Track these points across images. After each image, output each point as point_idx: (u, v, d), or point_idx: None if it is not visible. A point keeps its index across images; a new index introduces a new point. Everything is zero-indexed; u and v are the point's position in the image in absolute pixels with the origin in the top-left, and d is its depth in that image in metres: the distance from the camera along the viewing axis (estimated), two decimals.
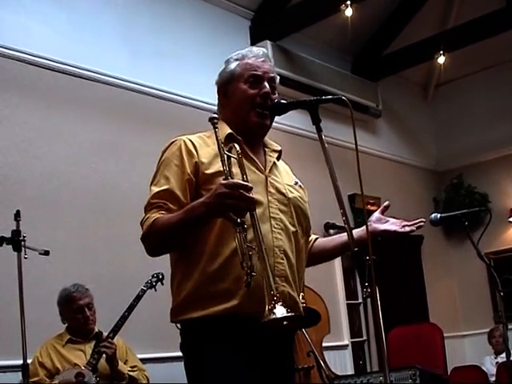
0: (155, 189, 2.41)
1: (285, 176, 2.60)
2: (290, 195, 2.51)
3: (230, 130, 2.49)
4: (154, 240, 2.35)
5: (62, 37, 5.64)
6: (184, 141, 2.47)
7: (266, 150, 2.60)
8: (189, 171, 2.39)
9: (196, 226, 2.31)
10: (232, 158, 2.30)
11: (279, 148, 2.65)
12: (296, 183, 2.63)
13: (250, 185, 2.19)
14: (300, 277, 2.48)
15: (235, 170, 2.30)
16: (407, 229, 2.64)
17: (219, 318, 2.28)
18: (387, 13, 8.67)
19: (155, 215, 2.34)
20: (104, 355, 4.43)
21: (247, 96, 2.50)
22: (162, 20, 6.49)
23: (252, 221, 2.21)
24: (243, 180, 2.25)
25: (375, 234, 2.62)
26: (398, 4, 8.62)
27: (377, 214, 2.66)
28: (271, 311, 2.07)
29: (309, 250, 2.67)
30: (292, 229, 2.46)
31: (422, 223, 2.66)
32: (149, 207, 2.40)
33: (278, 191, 2.47)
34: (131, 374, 4.61)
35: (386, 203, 2.69)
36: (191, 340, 2.38)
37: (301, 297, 2.51)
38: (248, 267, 2.17)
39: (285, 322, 2.11)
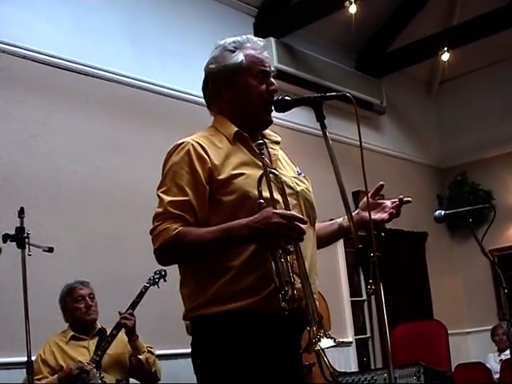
0: (168, 198, 2.32)
1: (288, 168, 2.57)
2: (298, 188, 2.48)
3: (235, 128, 2.45)
4: (178, 253, 2.31)
5: (66, 34, 5.64)
6: (192, 144, 2.37)
7: (266, 141, 2.52)
8: (203, 179, 2.32)
9: (233, 246, 2.27)
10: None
11: (279, 139, 2.61)
12: (299, 174, 2.58)
13: (305, 218, 2.26)
14: (315, 271, 2.49)
15: (253, 171, 2.35)
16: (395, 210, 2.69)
17: (239, 314, 2.25)
18: (391, 10, 8.65)
19: (175, 227, 2.26)
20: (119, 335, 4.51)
21: (258, 93, 2.46)
22: (166, 17, 6.49)
23: (296, 248, 2.23)
24: (285, 205, 2.31)
25: (363, 225, 2.60)
26: (402, 1, 8.60)
27: (366, 200, 2.59)
28: (317, 342, 2.12)
29: None
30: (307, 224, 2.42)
31: (408, 199, 2.72)
32: (162, 216, 2.30)
33: (287, 185, 2.41)
34: (150, 350, 4.66)
35: (380, 183, 2.66)
36: (202, 338, 2.35)
37: None
38: (287, 294, 2.20)
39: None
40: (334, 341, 2.13)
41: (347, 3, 7.16)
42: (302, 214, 2.39)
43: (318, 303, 2.36)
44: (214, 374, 2.30)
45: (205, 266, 2.32)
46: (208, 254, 2.30)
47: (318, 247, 2.58)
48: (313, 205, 2.55)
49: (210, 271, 2.30)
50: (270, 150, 2.54)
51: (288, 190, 2.40)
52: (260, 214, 2.21)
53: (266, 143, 2.48)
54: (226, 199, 2.31)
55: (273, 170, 2.36)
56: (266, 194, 2.29)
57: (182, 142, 2.41)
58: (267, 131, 2.60)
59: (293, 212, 2.26)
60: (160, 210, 2.32)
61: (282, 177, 2.41)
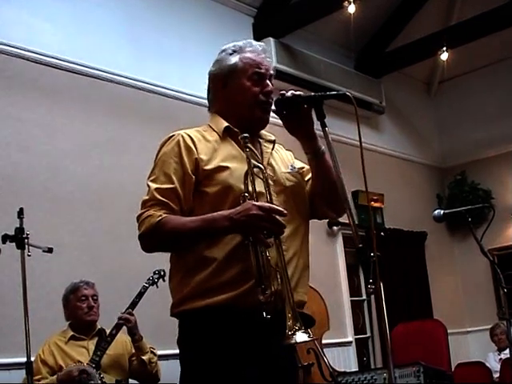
0: (155, 185, 2.39)
1: (281, 164, 2.58)
2: (288, 184, 2.51)
3: (226, 123, 2.50)
4: (160, 240, 2.36)
5: (66, 34, 5.64)
6: (182, 136, 2.45)
7: (261, 140, 2.59)
8: (189, 169, 2.38)
9: (213, 236, 2.31)
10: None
11: (273, 138, 2.63)
12: (293, 168, 2.59)
13: (284, 211, 2.25)
14: (304, 266, 2.48)
15: (238, 165, 2.36)
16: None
17: (220, 308, 2.27)
18: (390, 9, 8.66)
19: (160, 214, 2.32)
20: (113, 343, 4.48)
21: (251, 94, 2.50)
22: (165, 18, 6.49)
23: (276, 242, 2.25)
24: (269, 198, 2.31)
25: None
26: (401, 1, 8.61)
27: None
28: (292, 336, 2.14)
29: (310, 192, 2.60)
30: (294, 218, 2.44)
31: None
32: (148, 203, 2.37)
33: (277, 182, 2.47)
34: (153, 351, 4.67)
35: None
36: (187, 333, 2.37)
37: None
38: (267, 288, 2.22)
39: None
40: (309, 336, 2.16)
41: (346, 3, 7.17)
42: (293, 210, 2.43)
43: (303, 297, 2.43)
44: (197, 369, 2.33)
45: (188, 259, 2.36)
46: (189, 243, 2.35)
47: (325, 181, 2.51)
48: (304, 200, 2.56)
49: (193, 265, 2.34)
50: (263, 147, 2.57)
51: (278, 187, 2.45)
52: (241, 206, 2.26)
53: (260, 142, 2.56)
54: (210, 191, 2.36)
55: (258, 164, 2.38)
56: (251, 188, 2.32)
57: (174, 134, 2.49)
58: (263, 131, 2.62)
59: (272, 205, 2.27)
60: (147, 197, 2.40)
61: (270, 172, 2.45)
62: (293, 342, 2.14)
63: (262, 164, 2.43)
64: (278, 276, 2.25)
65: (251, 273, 2.25)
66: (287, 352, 2.45)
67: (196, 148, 2.41)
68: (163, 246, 2.43)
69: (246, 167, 2.34)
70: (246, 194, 2.31)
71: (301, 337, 2.14)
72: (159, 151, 2.48)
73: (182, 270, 2.40)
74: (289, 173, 2.56)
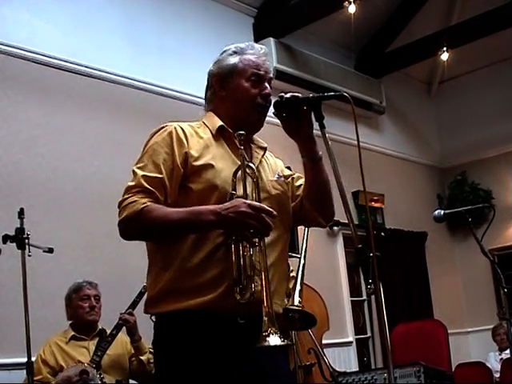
0: (142, 172, 2.35)
1: (269, 172, 2.56)
2: (273, 192, 2.49)
3: (220, 123, 2.49)
4: (142, 227, 2.30)
5: (66, 34, 5.65)
6: (175, 127, 2.44)
7: (252, 146, 2.58)
8: (178, 162, 2.36)
9: (197, 230, 2.29)
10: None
11: (265, 145, 2.62)
12: (279, 177, 2.57)
13: (274, 212, 2.24)
14: (281, 277, 2.46)
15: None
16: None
17: (194, 313, 2.25)
18: (390, 9, 8.66)
19: (145, 201, 2.27)
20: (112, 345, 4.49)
21: (249, 95, 2.49)
22: (165, 17, 6.49)
23: (260, 243, 2.23)
24: (257, 199, 2.30)
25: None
26: (401, 1, 8.61)
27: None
28: (266, 338, 2.12)
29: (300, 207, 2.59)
30: (276, 227, 2.37)
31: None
32: (134, 189, 2.32)
33: (263, 189, 2.43)
34: (152, 351, 4.64)
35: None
36: (163, 335, 2.34)
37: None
38: (245, 288, 2.20)
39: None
40: (282, 340, 2.14)
41: (346, 3, 7.17)
42: (276, 219, 2.35)
43: (279, 309, 2.39)
44: (173, 372, 2.30)
45: (165, 254, 2.33)
46: (171, 234, 2.31)
47: (317, 197, 2.53)
48: (287, 210, 2.54)
49: (170, 261, 2.31)
50: (253, 152, 2.56)
51: (263, 194, 2.40)
52: (230, 203, 2.23)
53: (251, 147, 2.56)
54: (195, 187, 2.34)
55: (250, 164, 2.38)
56: (239, 187, 2.31)
57: (166, 125, 2.49)
58: (255, 137, 2.62)
59: (262, 205, 2.25)
60: (132, 183, 2.34)
61: (260, 181, 2.41)
62: (266, 344, 2.11)
63: (253, 163, 2.42)
64: (258, 278, 2.23)
65: (230, 274, 2.23)
66: (270, 355, 2.38)
67: (188, 142, 2.40)
68: (144, 235, 2.37)
69: (233, 169, 2.34)
70: (234, 192, 2.29)
71: (274, 340, 2.12)
72: (149, 140, 2.47)
73: (157, 265, 2.36)
74: (275, 181, 2.54)
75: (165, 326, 2.34)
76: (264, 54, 2.60)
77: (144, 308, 2.41)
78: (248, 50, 2.58)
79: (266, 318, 2.15)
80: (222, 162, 2.39)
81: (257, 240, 2.22)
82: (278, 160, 2.70)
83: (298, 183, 2.62)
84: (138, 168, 2.39)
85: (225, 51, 2.61)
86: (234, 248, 2.24)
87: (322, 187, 2.50)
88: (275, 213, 2.24)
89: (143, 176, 2.34)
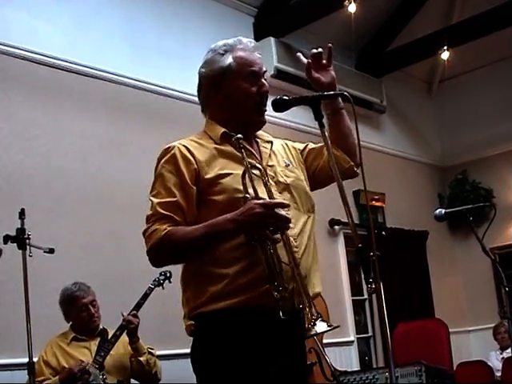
0: (157, 200, 2.38)
1: (281, 162, 2.58)
2: (289, 180, 2.51)
3: (222, 129, 2.49)
4: (168, 252, 2.35)
5: (66, 35, 5.65)
6: (178, 147, 2.43)
7: (259, 141, 2.59)
8: (189, 181, 2.37)
9: (220, 241, 2.31)
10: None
11: (271, 139, 2.64)
12: (287, 165, 2.59)
13: (286, 202, 2.30)
14: (314, 258, 2.51)
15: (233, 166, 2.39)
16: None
17: (238, 310, 2.28)
18: (391, 8, 8.66)
19: (165, 227, 2.32)
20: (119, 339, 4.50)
21: (249, 95, 2.49)
22: (165, 17, 6.49)
23: (283, 237, 2.27)
24: (269, 195, 2.32)
25: (319, 85, 2.61)
26: (402, 0, 8.60)
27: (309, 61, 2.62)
28: (313, 327, 2.18)
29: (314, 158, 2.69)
30: (301, 213, 2.47)
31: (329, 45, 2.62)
32: (152, 218, 2.36)
33: (277, 181, 2.47)
34: (151, 351, 4.66)
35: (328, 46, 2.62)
36: (205, 334, 2.37)
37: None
38: (280, 285, 2.23)
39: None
40: (328, 325, 2.19)
41: (347, 2, 7.17)
42: (298, 206, 2.47)
43: (320, 288, 2.46)
44: (215, 371, 2.32)
45: (199, 276, 2.37)
46: (196, 251, 2.35)
47: (342, 142, 2.64)
48: (307, 193, 2.57)
49: (206, 280, 2.34)
50: (261, 148, 2.57)
51: (281, 186, 2.46)
52: (243, 207, 2.26)
53: (257, 142, 2.58)
54: (217, 199, 2.36)
55: (257, 165, 2.39)
56: (250, 189, 2.32)
57: (169, 147, 2.47)
58: (260, 132, 2.63)
59: (272, 200, 2.29)
60: (150, 212, 2.39)
61: (271, 173, 2.47)
62: (313, 332, 2.18)
63: (262, 165, 2.43)
64: (291, 272, 2.27)
65: (263, 277, 2.26)
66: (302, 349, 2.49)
67: (194, 157, 2.41)
68: (172, 259, 2.44)
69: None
70: (247, 196, 2.30)
71: (320, 326, 2.17)
72: (157, 165, 2.48)
73: (192, 283, 2.40)
74: (286, 169, 2.56)
75: (207, 324, 2.35)
76: (255, 47, 2.59)
77: (186, 317, 2.43)
78: (237, 45, 2.55)
79: (307, 309, 2.20)
80: (234, 168, 2.39)
81: (279, 236, 2.25)
82: (283, 143, 2.71)
83: (310, 148, 2.71)
84: (153, 196, 2.42)
85: (213, 50, 2.58)
86: (259, 248, 2.26)
87: (346, 130, 2.64)
88: (286, 202, 2.30)
89: (158, 203, 2.37)
